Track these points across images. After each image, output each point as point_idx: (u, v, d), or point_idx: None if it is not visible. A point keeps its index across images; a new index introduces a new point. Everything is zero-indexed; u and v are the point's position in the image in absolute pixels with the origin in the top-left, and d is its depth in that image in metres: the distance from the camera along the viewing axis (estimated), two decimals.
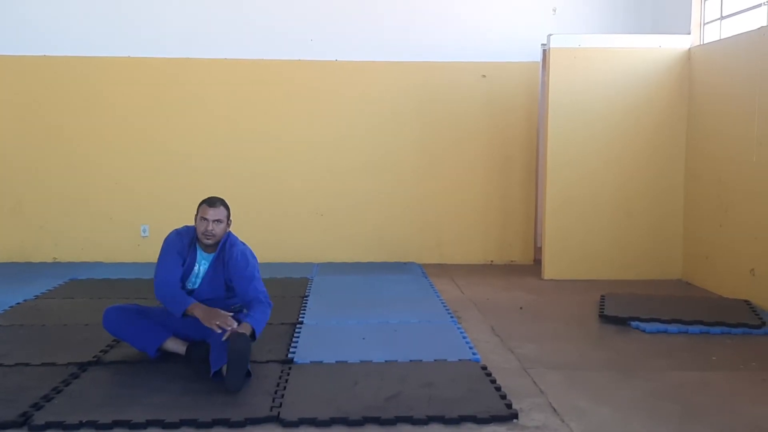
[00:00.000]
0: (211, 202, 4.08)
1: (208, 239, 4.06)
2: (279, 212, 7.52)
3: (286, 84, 7.49)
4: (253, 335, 3.84)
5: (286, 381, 3.78)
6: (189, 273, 4.11)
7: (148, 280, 5.38)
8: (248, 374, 3.72)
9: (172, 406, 3.43)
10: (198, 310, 3.87)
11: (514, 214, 7.65)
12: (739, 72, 5.85)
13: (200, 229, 4.06)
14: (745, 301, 5.58)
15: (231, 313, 3.92)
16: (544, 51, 7.27)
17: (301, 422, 3.27)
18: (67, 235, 7.47)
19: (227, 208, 4.13)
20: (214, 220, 4.03)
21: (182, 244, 4.12)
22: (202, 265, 4.14)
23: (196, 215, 4.11)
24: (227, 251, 4.11)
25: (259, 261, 4.25)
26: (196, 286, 4.12)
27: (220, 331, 3.75)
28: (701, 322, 4.96)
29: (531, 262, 7.65)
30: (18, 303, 5.56)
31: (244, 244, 4.21)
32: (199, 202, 4.15)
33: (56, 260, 7.48)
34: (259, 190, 7.50)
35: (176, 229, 4.22)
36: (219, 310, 3.89)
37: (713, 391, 3.79)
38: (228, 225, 4.15)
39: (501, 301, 5.89)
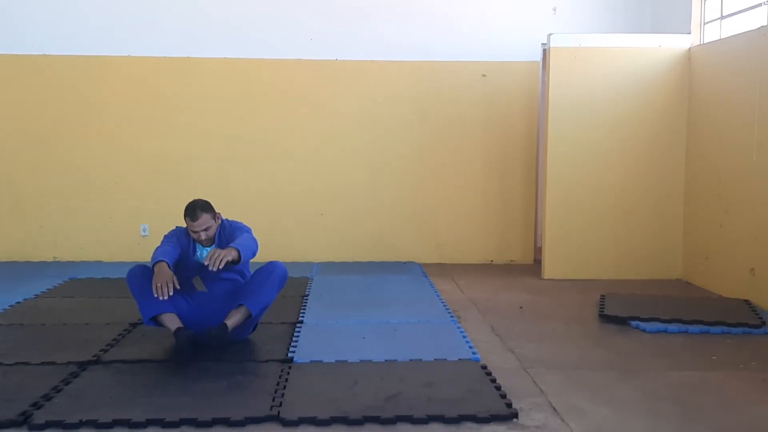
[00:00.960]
0: (193, 216, 4.28)
1: (206, 244, 4.38)
2: (279, 212, 7.51)
3: (286, 84, 7.48)
4: (239, 255, 4.11)
5: (286, 380, 3.78)
6: (194, 255, 4.38)
7: None
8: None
9: (172, 406, 3.43)
10: (156, 267, 4.07)
11: (514, 214, 7.65)
12: (739, 72, 5.85)
13: (195, 238, 4.35)
14: (745, 301, 5.58)
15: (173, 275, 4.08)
16: (544, 50, 7.27)
17: (301, 421, 3.27)
18: (66, 235, 7.47)
19: (207, 210, 4.33)
20: (203, 230, 4.30)
21: (182, 237, 4.41)
22: (206, 250, 4.38)
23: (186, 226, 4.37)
24: (227, 227, 4.44)
25: (259, 261, 4.49)
26: None
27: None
28: (701, 322, 4.96)
29: (531, 262, 7.65)
30: (18, 302, 5.56)
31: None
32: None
33: (56, 259, 7.48)
34: (259, 189, 7.50)
35: (178, 227, 4.50)
36: (169, 272, 4.05)
37: (713, 391, 3.78)
38: (217, 221, 4.38)
39: (501, 301, 5.89)
